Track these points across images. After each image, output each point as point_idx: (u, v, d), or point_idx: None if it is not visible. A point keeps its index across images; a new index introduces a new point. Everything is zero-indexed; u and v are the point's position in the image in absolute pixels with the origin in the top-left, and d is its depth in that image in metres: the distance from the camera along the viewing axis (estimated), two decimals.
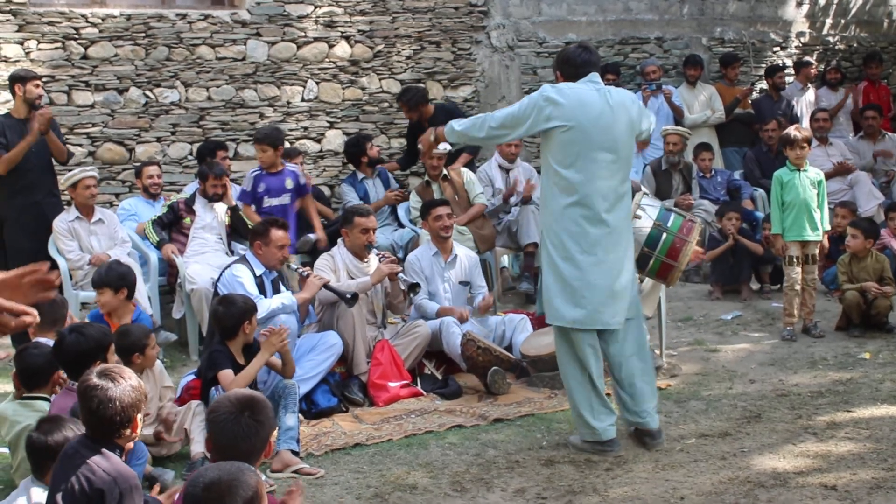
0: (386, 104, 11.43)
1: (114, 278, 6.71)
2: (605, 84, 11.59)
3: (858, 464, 5.35)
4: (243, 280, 6.93)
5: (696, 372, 7.46)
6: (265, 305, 6.70)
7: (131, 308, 6.82)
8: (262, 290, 7.03)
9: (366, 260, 7.63)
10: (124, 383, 3.90)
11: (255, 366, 5.88)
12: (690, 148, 11.27)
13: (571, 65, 5.89)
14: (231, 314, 6.03)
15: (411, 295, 7.62)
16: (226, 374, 5.82)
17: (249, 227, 8.16)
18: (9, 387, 6.52)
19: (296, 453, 5.83)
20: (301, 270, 7.58)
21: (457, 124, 6.03)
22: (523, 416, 6.58)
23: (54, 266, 8.29)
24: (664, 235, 6.56)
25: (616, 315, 5.74)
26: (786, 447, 5.70)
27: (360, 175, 10.41)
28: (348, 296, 7.21)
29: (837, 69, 13.34)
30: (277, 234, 7.19)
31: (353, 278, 7.52)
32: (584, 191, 5.65)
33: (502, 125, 5.82)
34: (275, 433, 5.88)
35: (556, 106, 5.64)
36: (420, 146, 6.74)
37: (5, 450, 5.80)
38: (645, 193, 7.58)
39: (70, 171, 8.81)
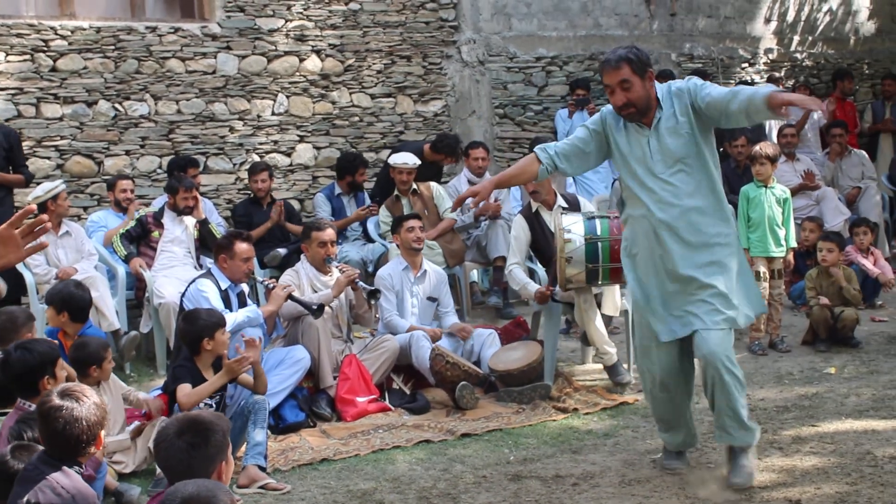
0: (356, 118, 11.45)
1: (57, 299, 6.70)
2: (576, 99, 11.87)
3: (822, 478, 5.37)
4: (208, 294, 6.91)
5: None
6: (230, 319, 6.67)
7: (79, 326, 6.77)
8: (228, 304, 7.01)
9: (329, 273, 7.62)
10: (88, 402, 3.87)
11: (211, 384, 5.82)
12: None
13: None
14: (188, 331, 6.01)
15: (373, 302, 7.62)
16: (181, 388, 5.78)
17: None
18: None
19: (263, 469, 5.80)
20: (266, 283, 7.58)
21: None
22: (491, 431, 6.58)
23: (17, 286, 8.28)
24: (600, 244, 6.94)
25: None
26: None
27: (338, 190, 10.41)
28: (314, 307, 7.22)
29: (806, 85, 13.43)
30: (242, 247, 7.18)
31: (316, 292, 7.52)
32: None
33: None
34: (242, 448, 5.87)
35: None
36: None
37: None
38: (563, 211, 7.67)
39: (38, 184, 8.78)
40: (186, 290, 7.14)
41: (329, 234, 7.70)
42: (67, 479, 3.74)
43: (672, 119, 5.23)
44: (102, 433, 3.92)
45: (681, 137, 5.22)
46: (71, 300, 6.73)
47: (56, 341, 6.20)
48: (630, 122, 5.30)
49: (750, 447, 5.38)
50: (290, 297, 7.25)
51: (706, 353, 5.18)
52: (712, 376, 5.26)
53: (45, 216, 3.29)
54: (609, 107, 5.42)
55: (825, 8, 14.67)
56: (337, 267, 7.58)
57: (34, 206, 3.30)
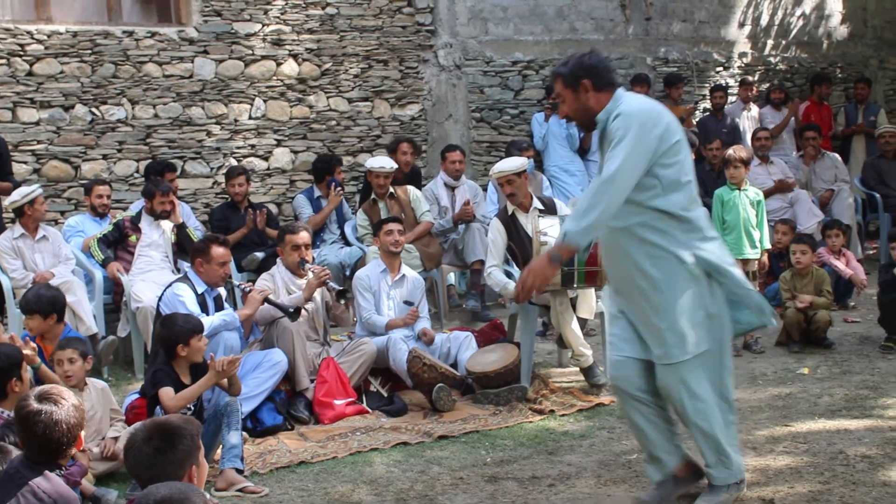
0: (333, 122, 11.45)
1: (43, 305, 6.64)
2: (551, 102, 11.90)
3: (795, 477, 5.41)
4: (185, 299, 6.91)
5: None
6: (206, 322, 6.66)
7: (61, 329, 6.75)
8: (205, 308, 7.02)
9: (304, 276, 7.62)
10: (67, 404, 3.89)
11: (198, 387, 5.84)
12: None
13: (607, 72, 5.03)
14: (164, 336, 6.05)
15: (341, 301, 7.63)
16: (165, 392, 5.79)
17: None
18: None
19: (240, 471, 5.80)
20: (243, 286, 7.58)
21: (582, 228, 4.65)
22: (468, 433, 6.59)
23: None
24: None
25: None
26: None
27: (318, 193, 10.41)
28: (291, 310, 7.23)
29: (781, 88, 13.52)
30: (218, 251, 7.18)
31: (290, 295, 7.53)
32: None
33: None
34: (219, 452, 5.87)
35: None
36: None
37: None
38: (539, 214, 7.70)
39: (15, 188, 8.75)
40: (163, 294, 7.14)
41: (302, 237, 7.70)
42: (48, 483, 3.75)
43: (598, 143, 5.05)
44: (82, 434, 3.94)
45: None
46: (56, 302, 6.70)
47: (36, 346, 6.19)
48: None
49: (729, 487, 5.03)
50: (266, 300, 7.26)
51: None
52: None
53: None
54: None
55: (798, 12, 14.76)
56: (310, 269, 7.58)
57: None
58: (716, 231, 5.17)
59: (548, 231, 7.10)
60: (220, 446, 5.90)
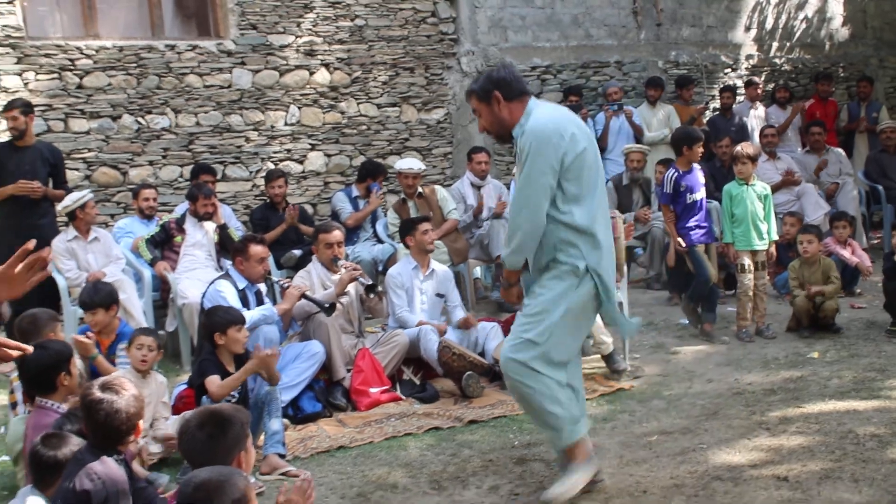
0: (364, 126, 11.45)
1: (105, 298, 6.65)
2: (569, 105, 11.85)
3: (808, 456, 5.37)
4: (226, 295, 6.91)
5: (657, 373, 7.48)
6: (247, 316, 6.67)
7: (117, 323, 6.77)
8: (246, 303, 7.01)
9: (337, 272, 7.61)
10: (127, 394, 3.93)
11: (241, 374, 5.85)
12: (651, 164, 11.30)
13: (517, 82, 4.97)
14: (204, 325, 6.16)
15: (372, 295, 7.62)
16: (211, 380, 5.81)
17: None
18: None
19: (283, 456, 5.81)
20: (281, 282, 7.58)
21: (510, 252, 4.91)
22: (496, 418, 6.57)
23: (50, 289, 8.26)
24: None
25: None
26: (741, 442, 5.72)
27: (356, 193, 10.40)
28: (326, 305, 7.23)
29: (786, 88, 13.45)
30: (256, 249, 7.19)
31: (325, 290, 7.53)
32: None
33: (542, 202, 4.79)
34: (261, 438, 5.88)
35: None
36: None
37: (6, 458, 5.77)
38: None
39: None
40: (206, 291, 7.15)
41: (335, 235, 7.69)
42: (102, 465, 3.79)
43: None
44: (140, 423, 3.97)
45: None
46: (114, 293, 6.74)
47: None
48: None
49: (574, 456, 4.98)
50: (303, 295, 7.26)
51: None
52: None
53: (43, 252, 3.22)
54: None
55: (801, 16, 14.68)
56: (343, 266, 7.58)
57: (31, 245, 3.20)
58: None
59: None
60: (263, 433, 5.90)
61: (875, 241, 12.01)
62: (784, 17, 14.51)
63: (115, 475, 3.82)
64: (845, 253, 9.63)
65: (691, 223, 8.44)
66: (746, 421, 6.10)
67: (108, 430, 3.85)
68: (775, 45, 14.40)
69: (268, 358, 5.83)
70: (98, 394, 3.87)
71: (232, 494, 3.14)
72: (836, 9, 15.03)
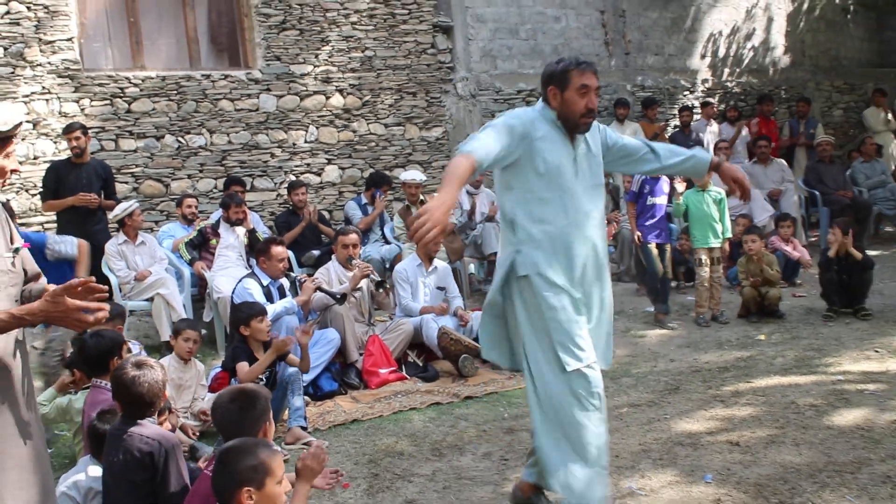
0: (373, 143, 11.43)
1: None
2: None
3: (756, 424, 5.37)
4: (252, 291, 6.90)
5: (627, 354, 7.48)
6: (270, 309, 6.66)
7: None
8: (270, 297, 7.00)
9: (351, 270, 7.59)
10: (157, 368, 3.95)
11: (263, 362, 5.82)
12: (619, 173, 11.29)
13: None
14: (232, 319, 6.17)
15: (380, 290, 7.61)
16: (241, 366, 5.81)
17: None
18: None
19: (304, 428, 5.82)
20: (299, 278, 7.57)
21: None
22: (488, 394, 6.58)
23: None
24: None
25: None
26: (699, 412, 5.72)
27: (364, 200, 10.38)
28: (338, 296, 7.22)
29: (735, 108, 13.44)
30: (277, 249, 7.18)
31: (342, 284, 7.52)
32: None
33: None
34: (286, 414, 5.87)
35: None
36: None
37: (65, 432, 5.75)
38: None
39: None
40: (235, 288, 7.14)
41: (352, 238, 7.68)
42: (147, 429, 3.77)
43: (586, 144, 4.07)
44: (166, 393, 4.00)
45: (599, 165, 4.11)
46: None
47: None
48: (576, 131, 3.97)
49: None
50: (318, 288, 7.25)
51: None
52: None
53: (103, 288, 2.98)
54: (535, 111, 4.03)
55: (749, 45, 14.68)
56: (356, 265, 7.58)
57: (91, 279, 2.96)
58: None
59: None
60: (287, 409, 5.89)
61: (813, 239, 12.00)
62: (734, 47, 14.50)
63: (163, 432, 3.82)
64: (788, 249, 9.65)
65: (648, 223, 8.45)
66: (703, 394, 6.10)
67: (143, 400, 3.85)
68: (727, 70, 14.39)
69: (282, 345, 5.83)
70: (133, 371, 3.87)
71: (249, 461, 3.15)
72: (779, 39, 15.04)
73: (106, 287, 3.05)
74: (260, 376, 5.79)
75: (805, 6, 15.43)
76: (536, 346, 3.94)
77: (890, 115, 14.26)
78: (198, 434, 5.80)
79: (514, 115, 3.96)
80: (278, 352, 5.83)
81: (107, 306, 2.99)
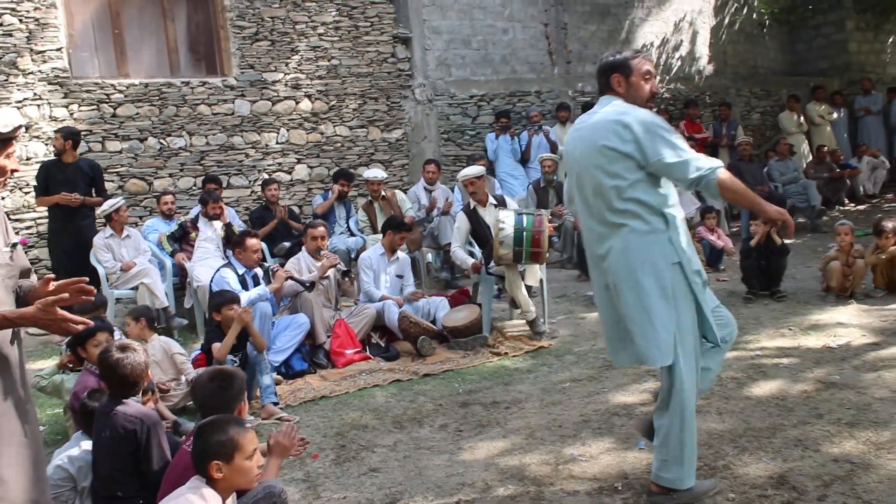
0: (339, 144, 11.36)
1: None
2: (500, 125, 11.82)
3: None
4: (229, 279, 6.83)
5: (570, 334, 7.51)
6: (245, 296, 6.60)
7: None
8: (245, 285, 6.94)
9: (320, 260, 7.54)
10: (139, 351, 3.91)
11: (230, 336, 5.77)
12: (563, 171, 11.30)
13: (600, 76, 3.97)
14: (208, 306, 6.13)
15: (346, 279, 7.58)
16: (214, 346, 5.78)
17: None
18: (41, 364, 6.28)
19: (276, 404, 5.78)
20: (272, 268, 7.51)
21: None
22: (445, 372, 6.57)
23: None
24: (524, 234, 6.91)
25: (617, 354, 3.88)
26: (633, 386, 5.76)
27: (330, 195, 10.29)
28: (307, 284, 7.17)
29: (666, 111, 13.53)
30: (251, 241, 7.12)
31: (311, 273, 7.47)
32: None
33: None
34: (258, 392, 5.82)
35: None
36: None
37: (58, 410, 5.67)
38: (496, 207, 7.77)
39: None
40: (213, 276, 7.07)
41: (320, 231, 7.63)
42: (130, 408, 3.73)
43: None
44: (150, 372, 3.97)
45: None
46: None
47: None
48: None
49: None
50: (289, 277, 7.20)
51: None
52: None
53: (91, 290, 2.92)
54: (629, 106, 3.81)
55: (677, 55, 14.80)
56: (324, 255, 7.53)
57: (84, 279, 2.92)
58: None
59: (505, 220, 7.07)
60: (258, 388, 5.85)
61: (734, 229, 12.12)
62: (664, 57, 14.61)
63: (145, 410, 3.78)
64: (713, 238, 9.73)
65: None
66: (637, 370, 6.13)
67: (127, 378, 3.80)
68: (657, 78, 14.46)
69: (243, 315, 5.77)
70: (118, 354, 3.83)
71: (220, 436, 3.12)
72: (703, 51, 15.18)
73: (94, 288, 3.03)
74: (234, 358, 5.73)
75: (726, 21, 15.59)
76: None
77: (802, 119, 14.48)
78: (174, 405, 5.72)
79: (658, 118, 3.77)
80: (241, 324, 5.78)
81: (89, 322, 2.99)
